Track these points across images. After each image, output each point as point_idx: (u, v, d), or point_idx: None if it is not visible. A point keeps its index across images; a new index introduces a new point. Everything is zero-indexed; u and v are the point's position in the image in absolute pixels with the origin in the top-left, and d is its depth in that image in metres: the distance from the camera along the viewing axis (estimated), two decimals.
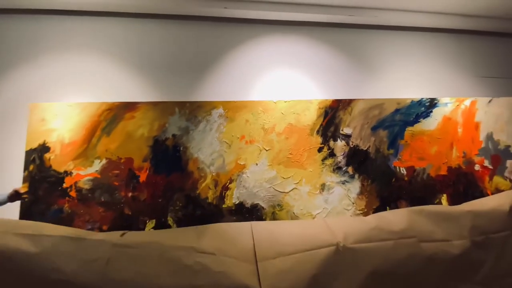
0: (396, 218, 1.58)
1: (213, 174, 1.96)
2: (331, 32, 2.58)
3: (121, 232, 1.58)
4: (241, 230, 1.60)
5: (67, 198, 1.83)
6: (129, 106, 1.96)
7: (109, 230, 1.82)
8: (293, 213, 1.95)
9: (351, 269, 1.33)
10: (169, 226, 1.89)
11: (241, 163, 1.98)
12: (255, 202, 1.94)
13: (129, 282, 1.29)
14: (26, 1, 2.13)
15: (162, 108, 1.99)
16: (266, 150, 2.02)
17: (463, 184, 2.10)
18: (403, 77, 2.61)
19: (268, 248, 1.42)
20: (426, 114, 2.15)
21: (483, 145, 2.15)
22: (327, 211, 1.95)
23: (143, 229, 1.86)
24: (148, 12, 2.31)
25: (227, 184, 1.95)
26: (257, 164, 2.00)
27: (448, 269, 1.43)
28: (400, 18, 2.58)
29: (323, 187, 1.99)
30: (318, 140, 2.04)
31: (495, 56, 2.81)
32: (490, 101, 2.19)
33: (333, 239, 1.41)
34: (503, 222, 1.61)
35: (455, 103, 2.18)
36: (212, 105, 2.02)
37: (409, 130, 2.10)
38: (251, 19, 2.44)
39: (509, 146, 2.15)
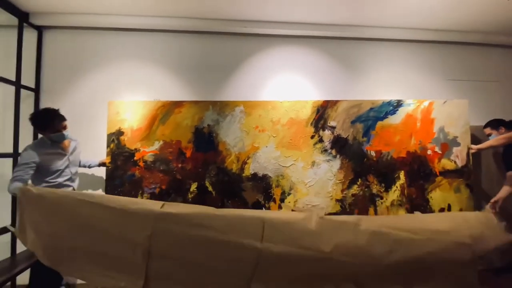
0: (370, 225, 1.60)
1: (236, 153, 2.38)
2: (326, 44, 3.02)
3: (161, 203, 1.60)
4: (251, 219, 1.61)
5: (137, 167, 2.37)
6: (177, 104, 2.44)
7: (165, 189, 2.32)
8: (291, 181, 2.37)
9: (324, 233, 1.51)
10: (206, 188, 2.35)
11: (256, 146, 2.38)
12: (265, 173, 2.37)
13: (169, 249, 1.47)
14: (102, 21, 2.70)
15: (200, 106, 2.43)
16: (274, 137, 2.39)
17: (417, 164, 2.39)
18: (380, 81, 3.03)
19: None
20: (393, 112, 2.44)
21: (435, 135, 2.42)
22: (315, 180, 2.38)
23: (189, 189, 2.33)
24: (187, 29, 2.84)
25: (246, 160, 2.38)
26: (267, 147, 2.38)
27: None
28: (381, 32, 3.01)
29: (313, 163, 2.38)
30: (311, 130, 2.40)
31: (459, 63, 3.20)
32: (444, 102, 2.46)
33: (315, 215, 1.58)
34: (462, 252, 1.46)
35: (416, 104, 2.46)
36: (235, 104, 2.44)
37: (379, 123, 2.43)
38: (264, 34, 2.94)
39: (456, 137, 2.42)
